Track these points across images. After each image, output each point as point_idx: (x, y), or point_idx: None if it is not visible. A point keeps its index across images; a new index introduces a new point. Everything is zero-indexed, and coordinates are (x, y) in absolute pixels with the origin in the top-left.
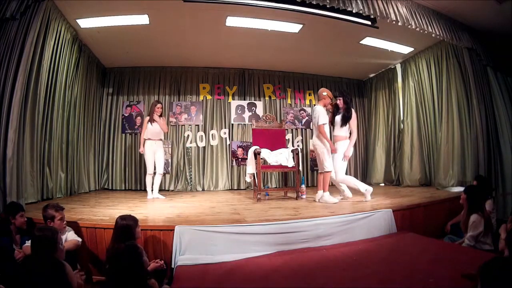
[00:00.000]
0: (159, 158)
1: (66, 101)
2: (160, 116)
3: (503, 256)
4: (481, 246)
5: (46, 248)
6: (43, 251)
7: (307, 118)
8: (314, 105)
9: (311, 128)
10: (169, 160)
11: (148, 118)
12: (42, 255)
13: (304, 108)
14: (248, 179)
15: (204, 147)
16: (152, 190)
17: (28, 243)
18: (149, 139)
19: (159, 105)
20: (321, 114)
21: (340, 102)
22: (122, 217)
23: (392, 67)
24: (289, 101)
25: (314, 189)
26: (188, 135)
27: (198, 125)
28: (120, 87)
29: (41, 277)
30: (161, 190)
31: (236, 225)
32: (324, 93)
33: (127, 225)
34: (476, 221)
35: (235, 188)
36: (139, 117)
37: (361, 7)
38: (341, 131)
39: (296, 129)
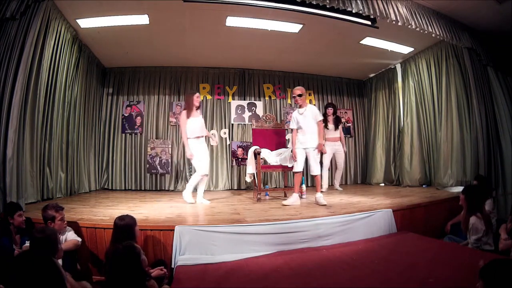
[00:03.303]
0: (206, 156)
1: (66, 101)
2: (198, 109)
3: (505, 256)
4: (481, 246)
5: (45, 249)
6: (42, 252)
7: None
8: (314, 105)
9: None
10: (169, 160)
11: (185, 112)
12: (40, 255)
13: None
14: (248, 179)
15: None
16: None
17: (28, 243)
18: (196, 137)
19: (197, 94)
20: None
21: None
22: (120, 218)
23: (392, 67)
24: (289, 101)
25: (314, 189)
26: None
27: None
28: (120, 87)
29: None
30: (161, 190)
31: (236, 225)
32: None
33: (125, 225)
34: (475, 224)
35: (235, 188)
36: (139, 117)
37: (361, 7)
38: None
39: None
